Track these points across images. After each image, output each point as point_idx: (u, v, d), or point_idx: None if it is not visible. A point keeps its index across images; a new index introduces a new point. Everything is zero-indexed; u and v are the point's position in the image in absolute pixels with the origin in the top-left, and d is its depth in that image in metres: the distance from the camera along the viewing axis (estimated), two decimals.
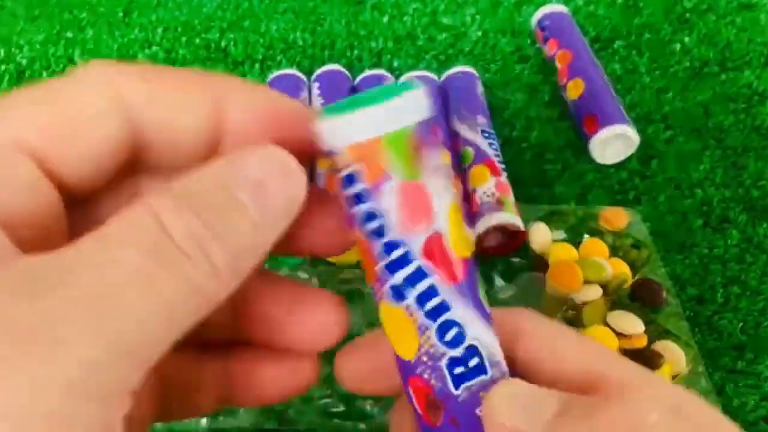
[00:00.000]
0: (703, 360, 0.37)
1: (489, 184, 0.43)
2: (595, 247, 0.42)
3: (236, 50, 0.58)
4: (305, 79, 0.52)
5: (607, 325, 0.37)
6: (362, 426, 0.35)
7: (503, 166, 0.45)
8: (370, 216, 0.15)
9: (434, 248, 0.16)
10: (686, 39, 0.61)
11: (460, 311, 0.16)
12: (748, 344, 0.39)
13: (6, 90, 0.53)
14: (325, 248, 0.18)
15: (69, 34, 0.58)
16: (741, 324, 0.40)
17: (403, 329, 0.16)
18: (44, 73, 0.54)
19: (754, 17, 0.64)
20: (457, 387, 0.16)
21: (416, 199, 0.15)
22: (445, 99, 0.51)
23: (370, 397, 0.36)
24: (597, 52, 0.59)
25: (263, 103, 0.16)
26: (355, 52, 0.59)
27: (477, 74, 0.53)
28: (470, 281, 0.16)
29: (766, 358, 0.39)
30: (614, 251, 0.42)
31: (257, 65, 0.56)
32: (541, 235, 0.42)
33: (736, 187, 0.48)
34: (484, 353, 0.16)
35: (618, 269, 0.40)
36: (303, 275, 0.40)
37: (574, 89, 0.52)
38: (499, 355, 0.17)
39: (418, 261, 0.15)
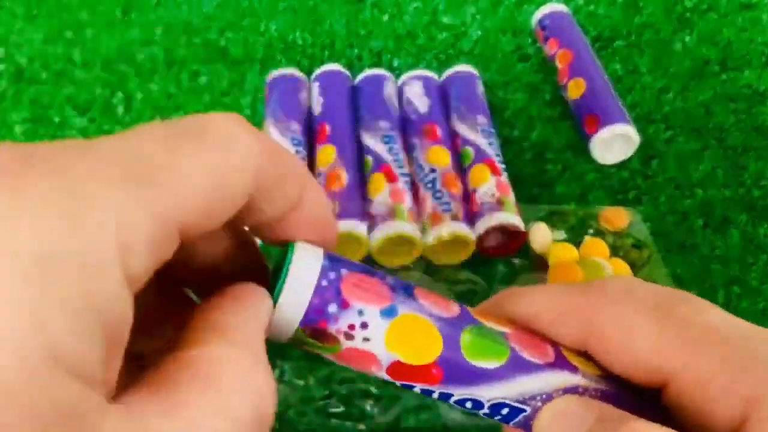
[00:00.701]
0: None
1: (489, 184, 0.43)
2: (595, 248, 0.42)
3: (236, 49, 0.58)
4: (305, 78, 0.52)
5: None
6: (362, 426, 0.35)
7: (503, 165, 0.45)
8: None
9: (397, 370, 0.16)
10: (687, 39, 0.61)
11: (460, 391, 0.17)
12: None
13: (5, 89, 0.53)
14: None
15: (68, 34, 0.58)
16: None
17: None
18: (43, 73, 0.54)
19: (755, 17, 0.64)
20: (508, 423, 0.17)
21: (355, 357, 0.16)
22: (445, 98, 0.51)
23: (369, 397, 0.36)
24: (598, 52, 0.59)
25: (323, 211, 0.17)
26: (355, 51, 0.59)
27: (477, 74, 0.53)
28: (454, 367, 0.17)
29: None
30: (615, 251, 0.42)
31: (257, 65, 0.56)
32: (541, 236, 0.42)
33: (736, 187, 0.48)
34: (510, 402, 0.17)
35: (618, 269, 0.40)
36: None
37: (574, 89, 0.52)
38: (532, 391, 0.17)
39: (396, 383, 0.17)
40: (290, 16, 0.62)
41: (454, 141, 0.47)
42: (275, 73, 0.52)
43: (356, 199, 0.42)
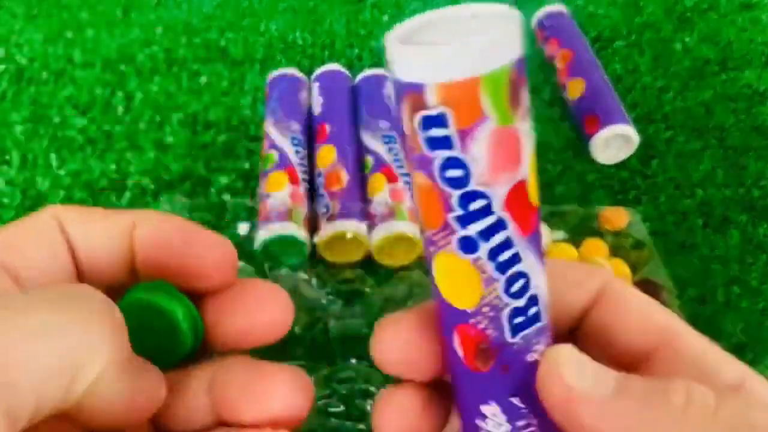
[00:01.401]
0: None
1: None
2: (595, 247, 0.42)
3: (236, 50, 0.58)
4: (305, 78, 0.52)
5: None
6: (362, 426, 0.35)
7: None
8: (452, 163, 0.14)
9: (517, 199, 0.14)
10: (687, 38, 0.61)
11: (529, 262, 0.15)
12: (748, 344, 0.39)
13: (5, 89, 0.53)
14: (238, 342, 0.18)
15: (68, 34, 0.58)
16: (742, 324, 0.40)
17: (464, 281, 0.15)
18: (44, 73, 0.54)
19: (755, 17, 0.64)
20: (514, 335, 0.16)
21: (508, 147, 0.14)
22: None
23: (369, 396, 0.36)
24: (598, 52, 0.59)
25: (167, 232, 0.17)
26: (355, 51, 0.59)
27: None
28: (538, 230, 0.15)
29: (766, 358, 0.39)
30: (615, 251, 0.42)
31: (257, 65, 0.56)
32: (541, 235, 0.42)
33: (736, 187, 0.48)
34: (541, 302, 0.16)
35: (618, 269, 0.40)
36: (303, 275, 0.40)
37: (574, 89, 0.52)
38: (548, 301, 0.16)
39: (499, 213, 0.14)
40: (290, 16, 0.62)
41: None
42: (275, 73, 0.52)
43: (356, 199, 0.42)
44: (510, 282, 0.15)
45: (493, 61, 0.13)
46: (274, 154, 0.44)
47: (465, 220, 0.14)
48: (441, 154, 0.14)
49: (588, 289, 0.18)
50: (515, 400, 0.16)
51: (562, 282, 0.18)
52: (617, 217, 0.43)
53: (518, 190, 0.14)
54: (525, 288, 0.15)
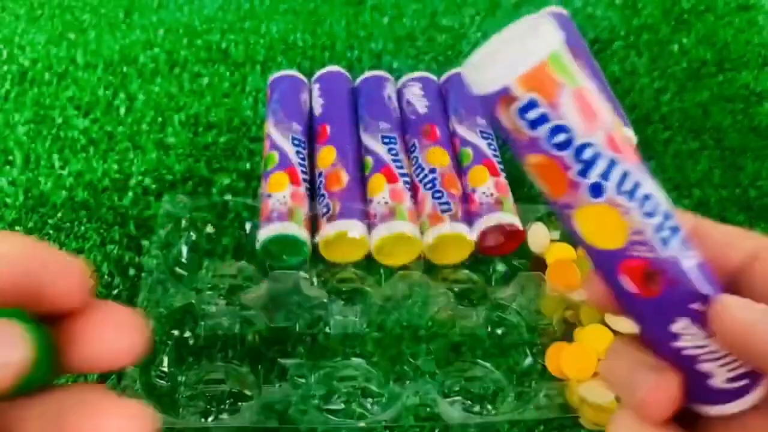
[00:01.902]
0: None
1: (488, 185, 0.43)
2: None
3: (237, 51, 0.58)
4: (306, 79, 0.52)
5: (605, 324, 0.37)
6: (362, 424, 0.35)
7: (502, 166, 0.45)
8: (555, 131, 0.17)
9: (614, 138, 0.18)
10: (684, 40, 0.62)
11: (648, 184, 0.18)
12: None
13: (8, 90, 0.53)
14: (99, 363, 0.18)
15: (71, 36, 0.59)
16: None
17: (607, 222, 0.18)
18: (46, 74, 0.54)
19: (752, 18, 0.64)
20: (666, 248, 0.18)
21: (588, 102, 0.17)
22: (444, 100, 0.51)
23: (369, 395, 0.36)
24: (596, 54, 0.59)
25: (19, 255, 0.17)
26: (355, 53, 0.59)
27: None
28: (639, 158, 0.18)
29: None
30: None
31: (258, 66, 0.57)
32: (539, 235, 0.42)
33: (733, 187, 0.49)
34: (671, 213, 0.19)
35: None
36: (303, 275, 0.40)
37: None
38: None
39: (608, 154, 0.18)
40: (291, 18, 0.63)
41: (453, 142, 0.48)
42: (276, 74, 0.52)
43: (356, 199, 0.43)
44: (642, 205, 0.18)
45: (546, 46, 0.17)
46: (275, 155, 0.45)
47: (584, 171, 0.18)
48: (544, 128, 0.17)
49: (742, 249, 0.20)
50: (696, 306, 0.19)
51: (715, 242, 0.20)
52: None
53: (613, 131, 0.18)
54: (656, 206, 0.18)
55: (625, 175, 0.18)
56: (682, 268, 0.19)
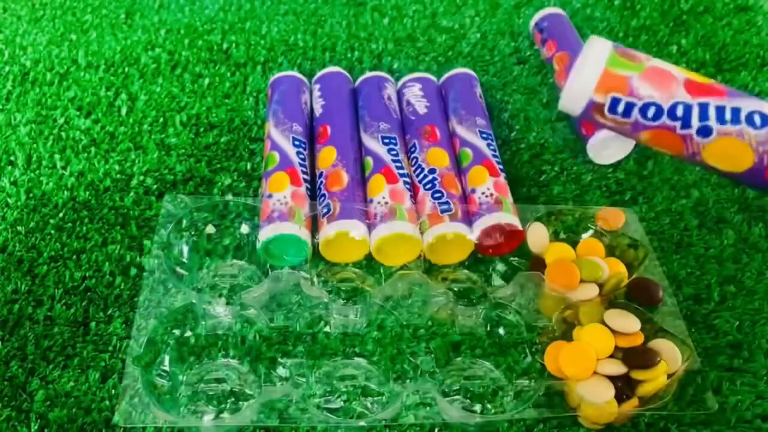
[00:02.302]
0: (699, 358, 0.38)
1: (487, 185, 0.44)
2: (592, 247, 0.42)
3: (238, 52, 0.58)
4: (306, 80, 0.52)
5: (604, 323, 0.38)
6: (362, 423, 0.35)
7: (501, 166, 0.46)
8: (644, 109, 0.23)
9: (693, 83, 0.23)
10: (683, 41, 0.62)
11: (749, 102, 0.23)
12: (744, 343, 0.40)
13: (10, 91, 0.53)
14: None
15: (72, 36, 0.59)
16: (737, 323, 0.41)
17: (733, 150, 0.23)
18: (48, 75, 0.55)
19: (751, 19, 0.65)
20: None
21: (656, 75, 0.23)
22: (444, 100, 0.52)
23: (369, 394, 0.37)
24: None
25: None
26: (356, 53, 0.59)
27: (476, 76, 0.53)
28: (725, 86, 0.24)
29: (761, 356, 0.39)
30: (611, 251, 0.43)
31: (259, 67, 0.57)
32: (539, 235, 0.43)
33: (731, 187, 0.49)
34: None
35: (615, 269, 0.40)
36: (304, 275, 0.41)
37: None
38: None
39: (695, 101, 0.22)
40: (292, 19, 0.63)
41: (452, 142, 0.48)
42: (277, 75, 0.52)
43: (356, 200, 0.43)
44: (751, 122, 0.22)
45: (602, 56, 0.23)
46: (276, 155, 0.45)
47: (685, 123, 0.23)
48: (635, 112, 0.23)
49: None
50: None
51: None
52: (614, 217, 0.44)
53: (688, 83, 0.23)
54: (763, 118, 0.23)
55: (719, 109, 0.22)
56: None
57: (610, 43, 0.23)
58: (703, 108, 0.21)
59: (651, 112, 0.22)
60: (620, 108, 0.23)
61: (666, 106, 0.22)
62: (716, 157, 0.23)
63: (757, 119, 0.21)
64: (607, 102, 0.22)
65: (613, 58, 0.23)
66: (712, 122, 0.21)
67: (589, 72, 0.23)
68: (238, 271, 0.42)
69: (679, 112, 0.22)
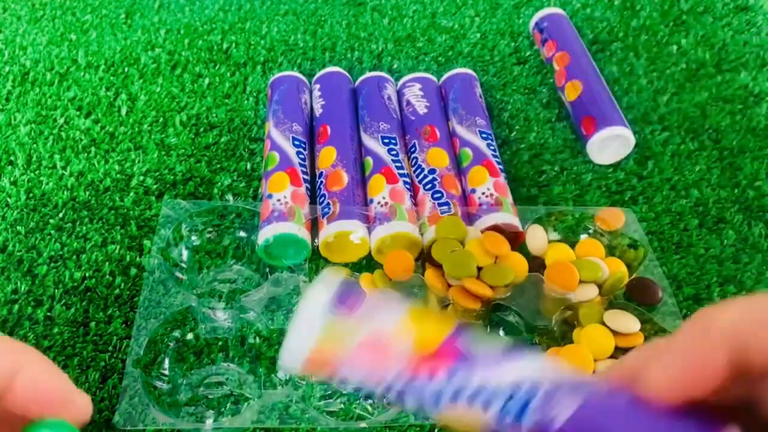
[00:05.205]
0: None
1: (487, 185, 0.44)
2: (591, 247, 0.42)
3: (238, 52, 0.58)
4: (306, 80, 0.52)
5: (603, 324, 0.38)
6: (362, 425, 0.35)
7: (501, 166, 0.46)
8: (359, 388, 0.20)
9: (420, 361, 0.19)
10: (683, 41, 0.62)
11: (474, 377, 0.19)
12: None
13: (10, 91, 0.53)
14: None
15: (72, 36, 0.59)
16: None
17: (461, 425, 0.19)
18: (48, 75, 0.55)
19: (751, 19, 0.65)
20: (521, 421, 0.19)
21: (372, 350, 0.19)
22: (444, 100, 0.52)
23: (369, 395, 0.37)
24: (594, 54, 0.59)
25: (46, 388, 0.20)
26: (356, 53, 0.59)
27: (476, 76, 0.53)
28: (463, 356, 0.19)
29: None
30: (611, 251, 0.43)
31: (259, 67, 0.57)
32: (538, 236, 0.43)
33: (731, 187, 0.49)
34: (517, 385, 0.19)
35: (614, 269, 0.40)
36: (303, 277, 0.41)
37: (571, 91, 0.53)
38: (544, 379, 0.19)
39: (415, 384, 0.19)
40: (292, 19, 0.63)
41: (452, 142, 0.48)
42: (277, 75, 0.52)
43: (356, 200, 0.43)
44: (472, 405, 0.19)
45: (310, 339, 0.20)
46: (276, 155, 0.45)
47: (400, 402, 0.20)
48: (353, 387, 0.21)
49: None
50: None
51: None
52: (613, 217, 0.44)
53: (421, 355, 0.20)
54: (490, 396, 0.19)
55: (438, 394, 0.19)
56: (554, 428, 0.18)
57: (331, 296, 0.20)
58: (419, 391, 0.19)
59: (366, 390, 0.20)
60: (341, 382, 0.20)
61: (380, 388, 0.19)
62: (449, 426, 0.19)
63: (479, 400, 0.19)
64: (318, 378, 0.19)
65: (320, 346, 0.19)
66: (428, 404, 0.19)
67: (301, 344, 0.19)
68: (237, 273, 0.42)
69: (395, 389, 0.19)
